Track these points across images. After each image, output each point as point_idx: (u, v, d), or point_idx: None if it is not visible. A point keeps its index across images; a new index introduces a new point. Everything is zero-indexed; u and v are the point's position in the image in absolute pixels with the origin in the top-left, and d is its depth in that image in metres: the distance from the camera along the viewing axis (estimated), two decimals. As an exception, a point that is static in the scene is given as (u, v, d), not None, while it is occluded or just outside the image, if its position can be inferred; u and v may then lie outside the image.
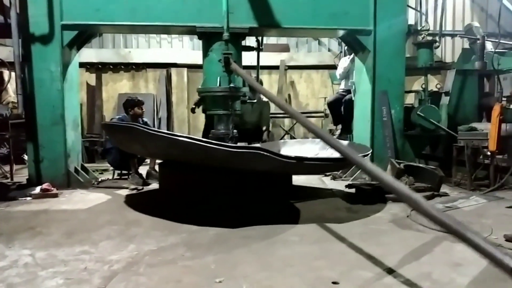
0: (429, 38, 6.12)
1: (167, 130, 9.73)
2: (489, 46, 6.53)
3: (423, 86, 6.09)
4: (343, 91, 7.13)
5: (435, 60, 6.20)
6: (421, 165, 5.37)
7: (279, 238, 3.08)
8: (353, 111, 6.16)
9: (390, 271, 2.41)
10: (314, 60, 10.54)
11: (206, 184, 4.19)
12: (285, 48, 10.52)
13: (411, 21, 7.45)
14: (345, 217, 3.80)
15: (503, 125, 4.84)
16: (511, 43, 7.05)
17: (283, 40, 10.51)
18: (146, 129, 3.62)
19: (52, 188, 4.75)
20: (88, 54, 9.43)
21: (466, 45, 7.38)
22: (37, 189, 4.70)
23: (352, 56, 6.66)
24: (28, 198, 4.57)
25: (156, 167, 5.48)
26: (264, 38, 5.74)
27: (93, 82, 10.01)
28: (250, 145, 4.58)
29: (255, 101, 6.59)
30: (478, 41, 6.18)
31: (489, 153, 4.96)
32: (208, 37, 5.00)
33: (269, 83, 10.23)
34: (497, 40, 6.18)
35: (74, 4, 5.04)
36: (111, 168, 6.13)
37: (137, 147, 4.47)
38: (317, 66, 10.51)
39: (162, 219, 3.62)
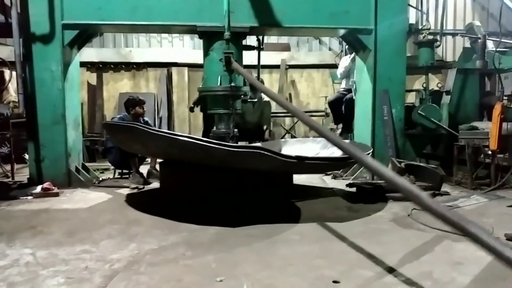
0: (430, 37, 6.12)
1: (168, 129, 9.74)
2: (490, 45, 6.52)
3: (424, 85, 6.08)
4: (344, 90, 7.13)
5: (436, 59, 6.19)
6: (422, 164, 5.36)
7: (279, 237, 3.08)
8: (354, 110, 6.15)
9: (390, 270, 2.41)
10: (315, 59, 10.53)
11: (207, 183, 4.19)
12: (286, 47, 10.52)
13: (412, 20, 7.46)
14: (346, 216, 3.80)
15: (504, 124, 4.84)
16: (512, 42, 7.04)
17: (284, 39, 10.50)
18: (147, 129, 3.62)
19: (53, 187, 4.75)
20: (89, 53, 9.44)
21: (467, 44, 7.37)
22: (38, 188, 4.70)
23: (352, 55, 6.65)
24: (29, 197, 4.57)
25: (157, 166, 5.48)
26: (265, 37, 5.73)
27: (94, 81, 10.01)
28: (250, 145, 4.59)
29: (255, 100, 6.60)
30: (479, 40, 6.18)
31: (490, 152, 4.96)
32: (209, 36, 5.00)
33: (270, 82, 10.22)
34: (498, 39, 6.17)
35: (75, 4, 5.04)
36: (112, 167, 6.14)
37: (137, 147, 4.48)
38: (318, 65, 10.51)
39: (163, 218, 3.63)
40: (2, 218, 3.74)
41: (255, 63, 5.58)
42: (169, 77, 10.21)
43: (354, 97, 6.26)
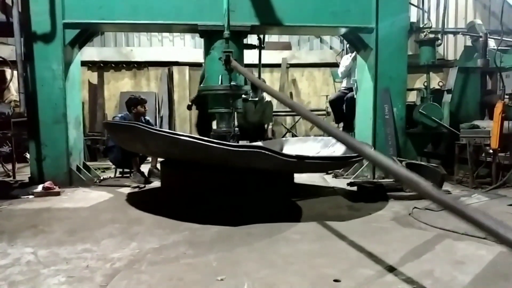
0: (431, 35, 6.11)
1: (169, 128, 9.74)
2: (491, 43, 6.51)
3: (425, 84, 6.07)
4: (345, 89, 7.12)
5: (437, 57, 6.17)
6: (423, 163, 5.36)
7: (280, 236, 3.08)
8: (355, 109, 6.15)
9: (391, 269, 2.41)
10: (316, 58, 10.51)
11: (208, 182, 4.19)
12: (287, 46, 10.50)
13: (413, 18, 7.41)
14: (346, 215, 3.80)
15: (505, 123, 4.83)
16: (514, 41, 7.02)
17: (284, 38, 10.48)
18: (147, 128, 3.62)
19: (54, 187, 4.76)
20: (90, 52, 9.44)
21: (469, 43, 7.36)
22: (39, 188, 4.71)
23: (354, 54, 6.64)
24: (30, 197, 4.58)
25: (158, 166, 5.49)
26: (266, 36, 5.73)
27: (95, 80, 10.01)
28: (251, 144, 4.58)
29: (257, 99, 6.60)
30: (480, 39, 6.16)
31: (491, 151, 4.95)
32: (209, 35, 5.00)
33: (271, 81, 10.22)
34: (499, 38, 6.15)
35: (76, 3, 5.04)
36: (113, 166, 6.14)
37: (138, 146, 4.48)
38: (319, 64, 10.49)
39: (164, 217, 3.63)
40: (3, 217, 3.75)
41: (256, 62, 5.58)
42: (170, 76, 10.21)
43: (355, 96, 6.25)
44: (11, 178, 5.71)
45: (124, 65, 10.12)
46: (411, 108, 5.96)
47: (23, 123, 5.36)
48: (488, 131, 4.99)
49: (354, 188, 4.72)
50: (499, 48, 5.98)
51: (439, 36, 6.20)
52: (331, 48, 10.67)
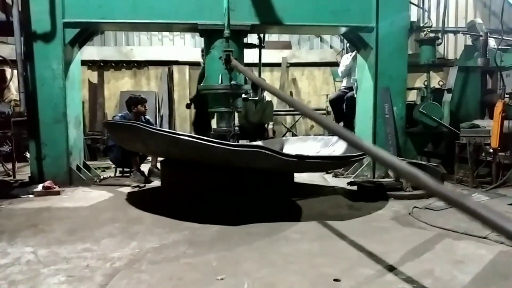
0: (432, 35, 6.10)
1: (169, 127, 9.75)
2: (491, 42, 6.51)
3: (425, 83, 6.07)
4: (345, 88, 7.12)
5: (437, 57, 6.17)
6: (423, 162, 5.36)
7: (280, 235, 3.08)
8: (355, 108, 6.15)
9: (391, 268, 2.41)
10: (316, 57, 10.51)
11: (208, 182, 4.19)
12: (287, 45, 10.50)
13: (414, 17, 7.42)
14: (346, 214, 3.80)
15: (506, 122, 4.82)
16: (514, 40, 7.02)
17: (285, 37, 10.48)
18: (147, 128, 3.62)
19: (54, 186, 4.76)
20: (90, 51, 9.44)
21: (469, 42, 7.35)
22: (39, 187, 4.71)
23: (354, 53, 6.64)
24: (31, 196, 4.58)
25: (158, 165, 5.49)
26: (266, 35, 5.73)
27: (95, 80, 10.01)
28: (251, 144, 4.58)
29: (257, 98, 6.62)
30: (480, 38, 6.16)
31: (491, 150, 4.95)
32: (209, 35, 4.99)
33: (271, 80, 10.22)
34: (500, 37, 6.15)
35: (76, 2, 5.04)
36: (113, 165, 6.14)
37: (138, 146, 4.48)
38: (319, 63, 10.49)
39: (164, 216, 3.63)
40: (3, 217, 3.75)
41: (256, 61, 5.58)
42: (170, 76, 10.21)
43: (355, 95, 6.25)
44: (11, 178, 5.71)
45: (124, 64, 10.12)
46: (411, 108, 5.96)
47: (23, 122, 5.36)
48: (488, 131, 4.99)
49: (354, 188, 4.72)
50: (499, 47, 5.98)
51: (440, 35, 6.19)
52: (331, 47, 10.66)
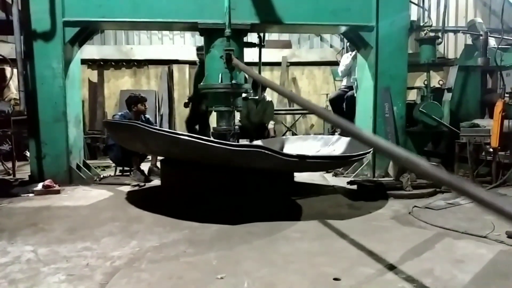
0: (432, 34, 6.10)
1: (169, 127, 9.75)
2: (492, 42, 6.50)
3: (426, 82, 6.06)
4: (345, 88, 7.12)
5: (437, 56, 6.16)
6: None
7: (280, 234, 3.08)
8: (355, 107, 6.14)
9: (391, 267, 2.41)
10: (316, 56, 10.51)
11: (208, 181, 4.19)
12: (287, 45, 10.50)
13: (414, 17, 7.43)
14: (346, 213, 3.80)
15: (506, 122, 4.82)
16: (514, 39, 7.01)
17: (285, 37, 10.48)
18: (147, 128, 3.61)
19: (54, 185, 4.76)
20: (90, 50, 9.43)
21: (469, 41, 7.36)
22: (39, 186, 4.71)
23: (354, 53, 6.64)
24: (31, 195, 4.58)
25: (158, 164, 5.49)
26: (266, 34, 5.73)
27: (95, 79, 10.01)
28: (252, 144, 4.58)
29: (257, 97, 6.63)
30: (481, 37, 6.15)
31: (491, 150, 4.95)
32: (210, 34, 4.99)
33: (271, 79, 10.15)
34: (500, 36, 6.15)
35: (76, 1, 5.03)
36: (113, 164, 6.14)
37: (138, 145, 4.48)
38: (319, 63, 10.49)
39: (164, 215, 3.63)
40: (3, 216, 3.75)
41: (256, 60, 5.57)
42: (170, 75, 10.21)
43: (355, 95, 6.25)
44: (11, 176, 5.71)
45: (124, 63, 10.12)
46: (411, 107, 5.96)
47: (23, 121, 5.35)
48: (488, 130, 4.98)
49: (354, 187, 4.73)
50: (499, 46, 5.98)
51: (440, 34, 6.19)
52: (331, 46, 10.66)
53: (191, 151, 3.61)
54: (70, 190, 4.87)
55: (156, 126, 7.69)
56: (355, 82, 6.21)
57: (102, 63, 9.97)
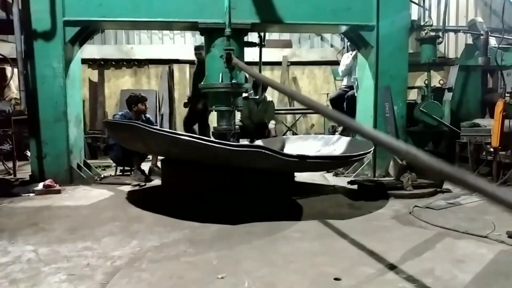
0: (432, 33, 6.09)
1: (170, 126, 9.75)
2: (492, 41, 6.50)
3: (426, 82, 6.06)
4: (345, 87, 7.12)
5: (438, 55, 6.16)
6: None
7: (281, 234, 3.08)
8: (355, 107, 6.14)
9: (392, 267, 2.41)
10: (316, 56, 10.50)
11: (209, 181, 4.19)
12: (287, 44, 10.50)
13: (414, 16, 7.40)
14: (347, 213, 3.80)
15: (506, 121, 4.82)
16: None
17: (285, 36, 10.47)
18: (147, 128, 3.60)
19: (55, 185, 4.76)
20: (90, 50, 9.43)
21: (470, 41, 7.35)
22: (40, 185, 4.71)
23: (354, 53, 6.63)
24: (31, 194, 4.59)
25: (159, 164, 5.49)
26: (267, 34, 5.73)
27: (95, 78, 10.01)
28: (252, 144, 4.58)
29: (257, 97, 6.63)
30: (481, 37, 6.15)
31: (492, 149, 4.95)
32: (210, 33, 4.99)
33: (272, 79, 10.20)
34: (500, 36, 6.15)
35: (76, 0, 5.03)
36: (114, 164, 6.14)
37: (138, 145, 4.48)
38: (320, 62, 10.48)
39: (164, 215, 3.63)
40: (4, 215, 3.75)
41: (257, 59, 5.57)
42: (171, 74, 10.20)
43: (355, 94, 6.25)
44: (12, 176, 5.72)
45: (124, 63, 10.11)
46: (412, 106, 5.96)
47: (24, 121, 5.36)
48: (489, 130, 4.99)
49: (355, 187, 4.73)
50: (500, 46, 5.98)
51: (440, 34, 6.19)
52: (331, 46, 10.65)
53: (191, 151, 3.60)
54: (70, 189, 4.87)
55: (157, 125, 7.71)
56: (356, 82, 6.21)
57: (102, 62, 9.96)
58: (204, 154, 3.56)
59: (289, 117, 10.43)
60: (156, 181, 5.33)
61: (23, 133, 6.10)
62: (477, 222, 3.43)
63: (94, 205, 4.15)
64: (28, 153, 5.86)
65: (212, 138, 5.13)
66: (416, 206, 3.94)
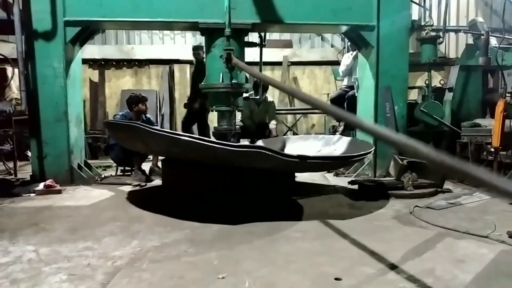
0: (433, 33, 6.09)
1: (170, 126, 9.76)
2: (493, 41, 6.50)
3: (427, 82, 6.06)
4: (346, 87, 7.12)
5: (438, 55, 6.17)
6: (424, 161, 5.34)
7: (281, 234, 3.08)
8: (356, 107, 6.14)
9: (392, 267, 2.41)
10: (317, 56, 10.50)
11: (209, 181, 4.19)
12: (288, 44, 10.50)
13: (415, 16, 7.41)
14: (347, 213, 3.80)
15: (507, 121, 4.82)
16: (516, 39, 7.01)
17: (286, 36, 10.48)
18: (147, 128, 3.60)
19: (56, 185, 4.76)
20: (91, 50, 9.44)
21: (470, 41, 7.34)
22: (41, 186, 4.72)
23: (355, 53, 6.63)
24: (32, 195, 4.59)
25: (159, 164, 5.49)
26: (267, 34, 5.73)
27: (96, 78, 10.02)
28: (252, 144, 4.59)
29: (257, 97, 6.64)
30: (482, 37, 6.14)
31: (492, 150, 4.94)
32: (210, 33, 4.99)
33: (271, 77, 10.20)
34: (501, 36, 6.14)
35: (77, 0, 5.04)
36: (114, 164, 6.14)
37: (139, 145, 4.48)
38: (320, 62, 10.48)
39: (165, 215, 3.63)
40: (5, 215, 3.75)
41: (257, 60, 5.57)
42: (171, 74, 10.21)
43: (356, 94, 6.25)
44: (13, 176, 5.72)
45: (125, 63, 10.12)
46: (413, 107, 5.95)
47: (25, 121, 5.36)
48: (490, 130, 4.98)
49: (355, 187, 4.73)
50: (500, 46, 5.97)
51: (441, 34, 6.19)
52: (332, 46, 10.65)
53: (191, 151, 3.60)
54: (71, 190, 4.88)
55: (157, 126, 7.71)
56: (356, 82, 6.21)
57: (103, 62, 9.97)
58: (204, 154, 3.56)
59: (289, 117, 10.44)
60: (157, 181, 5.34)
61: (23, 133, 6.10)
62: (478, 222, 3.43)
63: (94, 205, 4.16)
64: (29, 153, 5.86)
65: (212, 138, 5.16)
66: (416, 206, 3.94)
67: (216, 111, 5.04)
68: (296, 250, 2.74)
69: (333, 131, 7.91)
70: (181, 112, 10.13)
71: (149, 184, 5.27)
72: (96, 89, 9.97)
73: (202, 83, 5.05)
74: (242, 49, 5.06)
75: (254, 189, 4.12)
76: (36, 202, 4.27)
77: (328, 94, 9.26)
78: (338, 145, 5.25)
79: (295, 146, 5.66)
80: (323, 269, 2.39)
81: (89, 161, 6.15)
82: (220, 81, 4.75)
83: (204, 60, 7.10)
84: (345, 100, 6.89)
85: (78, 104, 5.77)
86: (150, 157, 6.10)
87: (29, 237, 3.08)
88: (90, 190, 4.92)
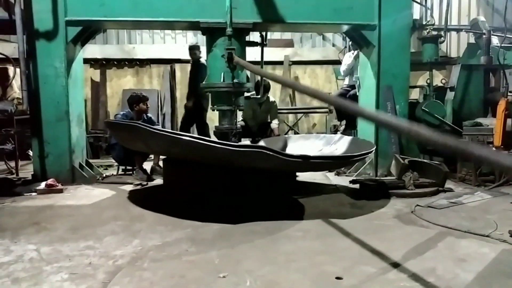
0: (434, 32, 6.09)
1: (171, 126, 9.76)
2: (494, 40, 6.49)
3: (428, 81, 6.06)
4: (347, 87, 7.11)
5: (440, 55, 6.17)
6: (425, 160, 5.35)
7: (282, 233, 3.08)
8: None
9: (394, 266, 2.40)
10: (318, 55, 10.49)
11: (210, 180, 4.19)
12: (289, 44, 10.49)
13: (416, 15, 7.42)
14: (349, 212, 3.80)
15: (509, 120, 4.81)
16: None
17: (287, 35, 10.47)
18: (148, 128, 3.60)
19: (57, 184, 4.77)
20: (92, 50, 9.44)
21: (472, 40, 7.34)
22: (42, 185, 4.72)
23: (356, 52, 6.63)
24: (33, 194, 4.60)
25: (160, 163, 5.49)
26: (268, 33, 5.73)
27: (97, 78, 10.02)
28: (254, 144, 4.58)
29: (259, 97, 6.64)
30: (483, 36, 6.14)
31: (494, 149, 4.94)
32: (211, 33, 4.99)
33: (272, 73, 10.20)
34: (503, 35, 6.13)
35: (78, 0, 5.04)
36: (116, 163, 6.15)
37: (139, 145, 4.48)
38: (322, 62, 10.47)
39: (166, 214, 3.63)
40: (6, 214, 3.76)
41: (258, 59, 5.57)
42: (172, 74, 10.21)
43: (357, 94, 6.24)
44: (14, 176, 5.73)
45: (126, 63, 10.12)
46: (414, 106, 5.95)
47: (26, 120, 5.37)
48: (491, 129, 4.98)
49: (357, 186, 4.72)
50: (502, 45, 5.96)
51: (442, 33, 6.19)
52: (333, 45, 10.64)
53: (191, 151, 3.60)
54: (72, 189, 4.88)
55: (158, 125, 7.71)
56: (357, 81, 6.20)
57: (104, 62, 9.98)
58: (204, 154, 3.56)
59: (290, 117, 10.43)
60: (158, 181, 5.34)
61: (25, 132, 6.11)
62: (479, 221, 3.42)
63: (96, 205, 4.16)
64: (30, 153, 5.87)
65: (213, 137, 5.16)
66: (418, 205, 3.93)
67: (217, 110, 5.04)
68: (297, 249, 2.74)
69: (334, 130, 7.91)
70: (182, 112, 10.13)
71: (150, 184, 5.28)
72: (98, 88, 9.97)
73: (203, 82, 5.05)
74: (243, 48, 5.05)
75: (255, 189, 4.11)
76: (37, 201, 4.28)
77: (329, 93, 9.23)
78: (339, 145, 5.25)
79: (297, 146, 5.66)
80: (324, 268, 2.39)
81: (91, 161, 6.15)
82: (222, 80, 4.75)
83: (200, 59, 7.14)
84: (347, 99, 6.88)
85: (80, 103, 5.78)
86: (152, 156, 6.11)
87: (31, 236, 3.09)
88: (91, 189, 4.93)
